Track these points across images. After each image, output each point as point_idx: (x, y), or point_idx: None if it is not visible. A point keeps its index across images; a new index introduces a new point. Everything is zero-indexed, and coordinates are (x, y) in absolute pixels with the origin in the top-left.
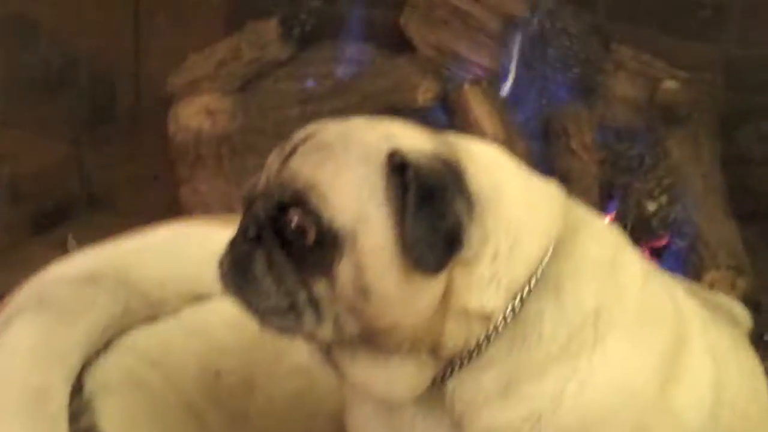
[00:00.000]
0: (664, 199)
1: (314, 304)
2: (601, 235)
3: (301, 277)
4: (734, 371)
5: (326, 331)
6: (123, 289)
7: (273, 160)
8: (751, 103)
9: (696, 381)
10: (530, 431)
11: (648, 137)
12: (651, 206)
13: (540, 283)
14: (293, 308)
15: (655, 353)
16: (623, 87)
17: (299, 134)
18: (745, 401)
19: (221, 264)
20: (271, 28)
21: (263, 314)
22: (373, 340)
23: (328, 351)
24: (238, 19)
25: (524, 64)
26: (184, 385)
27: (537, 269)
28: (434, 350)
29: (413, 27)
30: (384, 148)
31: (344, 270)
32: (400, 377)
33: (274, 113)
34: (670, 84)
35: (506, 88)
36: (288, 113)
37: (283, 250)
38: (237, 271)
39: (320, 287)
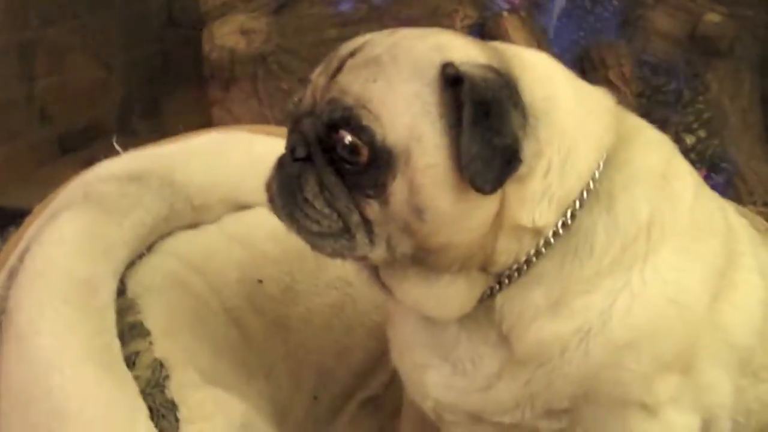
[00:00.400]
0: (702, 132)
1: (367, 225)
2: (653, 145)
3: (353, 199)
4: None
5: (379, 252)
6: (168, 189)
7: (319, 76)
8: None
9: (745, 298)
10: (578, 344)
11: (687, 71)
12: (689, 139)
13: (592, 195)
14: (346, 230)
15: (706, 267)
16: (663, 21)
17: (345, 48)
18: None
19: (268, 186)
20: None
21: (315, 237)
22: (425, 259)
23: (377, 271)
24: None
25: None
26: (226, 291)
27: (589, 182)
28: (485, 267)
29: None
30: (436, 61)
31: (398, 189)
32: (450, 295)
33: (310, 36)
34: (711, 17)
35: (553, 16)
36: (323, 36)
37: (334, 170)
38: (287, 193)
39: (373, 208)
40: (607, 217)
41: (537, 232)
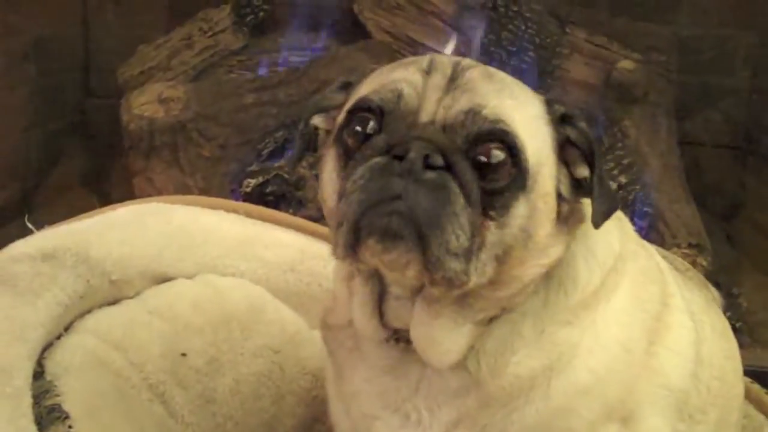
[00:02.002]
0: (623, 178)
1: (480, 249)
2: None
3: (481, 219)
4: (709, 331)
5: (476, 280)
6: (83, 266)
7: (417, 75)
8: (704, 85)
9: (679, 339)
10: (543, 381)
11: (605, 119)
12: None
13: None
14: (469, 252)
15: (647, 314)
16: (579, 70)
17: (438, 57)
18: (720, 359)
19: (386, 196)
20: (223, 15)
21: (448, 256)
22: (481, 294)
23: (409, 301)
24: (190, 7)
25: (479, 48)
26: (149, 366)
27: None
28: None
29: (367, 13)
30: (532, 94)
31: (520, 211)
32: (461, 341)
33: (228, 102)
34: (625, 64)
35: None
36: (242, 102)
37: (477, 185)
38: (433, 203)
39: (491, 231)
40: (586, 250)
41: None
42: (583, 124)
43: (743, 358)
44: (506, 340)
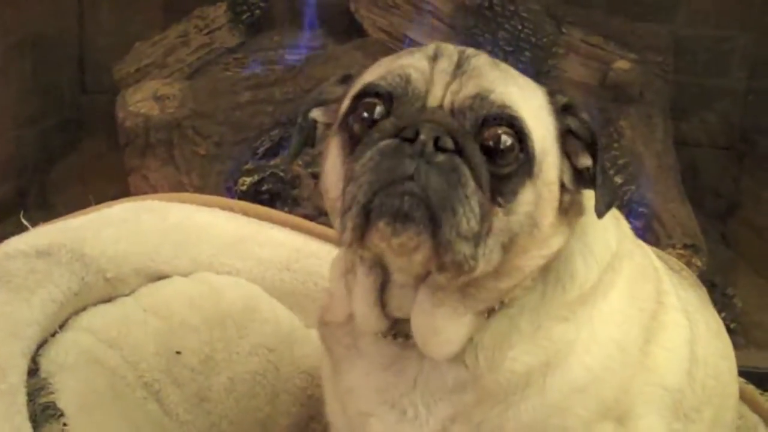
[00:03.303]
0: (619, 178)
1: (488, 235)
2: None
3: (489, 204)
4: (704, 329)
5: (483, 267)
6: (78, 263)
7: (424, 62)
8: (700, 85)
9: (674, 338)
10: (539, 378)
11: (601, 118)
12: None
13: None
14: (479, 236)
15: (643, 313)
16: (575, 69)
17: (444, 46)
18: (715, 359)
19: (397, 177)
20: (219, 13)
21: (459, 239)
22: (484, 284)
23: (405, 290)
24: (186, 4)
25: (475, 47)
26: (144, 365)
27: None
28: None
29: (363, 11)
30: (534, 84)
31: (526, 198)
32: (461, 332)
33: (224, 99)
34: (621, 64)
35: None
36: (237, 99)
37: (487, 169)
38: (449, 185)
39: (498, 217)
40: (583, 246)
41: None
42: (584, 115)
43: (738, 358)
44: (504, 335)
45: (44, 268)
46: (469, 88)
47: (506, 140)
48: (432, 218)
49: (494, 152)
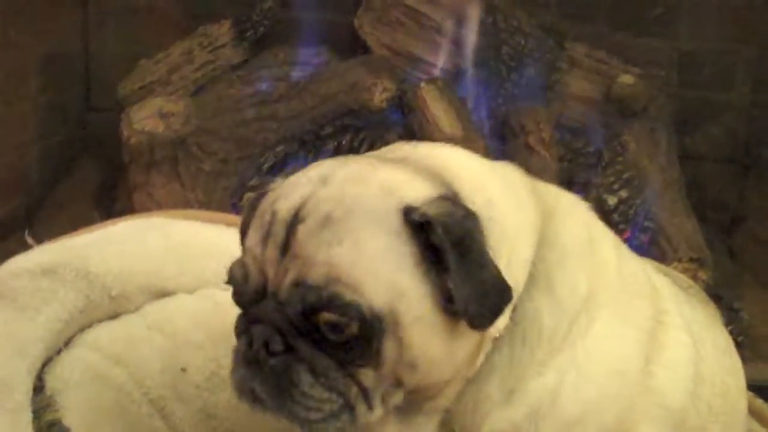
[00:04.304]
0: (623, 193)
1: (365, 393)
2: (572, 212)
3: (347, 373)
4: (710, 348)
5: (377, 414)
6: (83, 281)
7: (263, 248)
8: (704, 99)
9: (676, 358)
10: (530, 427)
11: (605, 133)
12: (611, 200)
13: (530, 279)
14: (346, 406)
15: (638, 331)
16: (579, 84)
17: (281, 210)
18: (722, 377)
19: (245, 391)
20: (223, 31)
21: (318, 423)
22: (414, 402)
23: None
24: (190, 23)
25: (479, 63)
26: (149, 381)
27: (530, 268)
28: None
29: (367, 28)
30: (392, 206)
31: (389, 351)
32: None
33: (229, 116)
34: (625, 79)
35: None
36: (243, 116)
37: (322, 352)
38: (280, 392)
39: (367, 375)
40: (550, 299)
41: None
42: (440, 224)
43: (745, 372)
44: (475, 404)
45: (49, 286)
46: (290, 276)
47: (333, 322)
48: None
49: (327, 336)
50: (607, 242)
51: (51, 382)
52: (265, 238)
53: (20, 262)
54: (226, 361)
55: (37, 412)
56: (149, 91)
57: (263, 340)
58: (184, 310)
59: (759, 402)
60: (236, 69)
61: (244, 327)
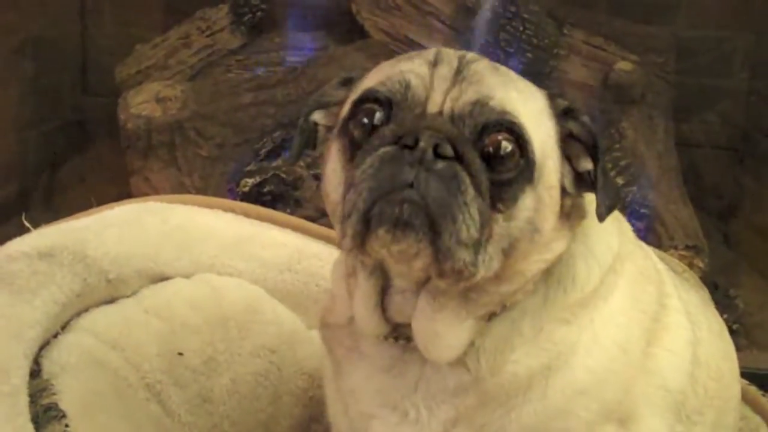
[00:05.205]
0: (621, 179)
1: (488, 241)
2: None
3: (489, 211)
4: (706, 331)
5: (484, 273)
6: (80, 264)
7: (424, 68)
8: (702, 86)
9: (676, 340)
10: (542, 380)
11: (603, 120)
12: None
13: None
14: (478, 244)
15: (645, 315)
16: (576, 71)
17: (444, 51)
18: (717, 360)
19: (396, 185)
20: (221, 15)
21: (458, 246)
22: (485, 288)
23: (413, 295)
24: (188, 7)
25: (477, 48)
26: (146, 366)
27: None
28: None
29: (365, 13)
30: (535, 88)
31: (526, 203)
32: (462, 336)
33: (226, 101)
34: (622, 65)
35: None
36: (239, 101)
37: (488, 176)
38: (448, 192)
39: (498, 223)
40: (585, 249)
41: None
42: (585, 118)
43: (740, 360)
44: (506, 338)
45: (46, 270)
46: (469, 95)
47: (506, 146)
48: (432, 226)
49: (494, 158)
50: (625, 222)
51: (48, 366)
52: (434, 62)
53: (17, 245)
54: (223, 345)
55: (34, 396)
56: (146, 75)
57: (434, 143)
58: (181, 294)
59: (753, 389)
60: (234, 54)
61: (392, 136)
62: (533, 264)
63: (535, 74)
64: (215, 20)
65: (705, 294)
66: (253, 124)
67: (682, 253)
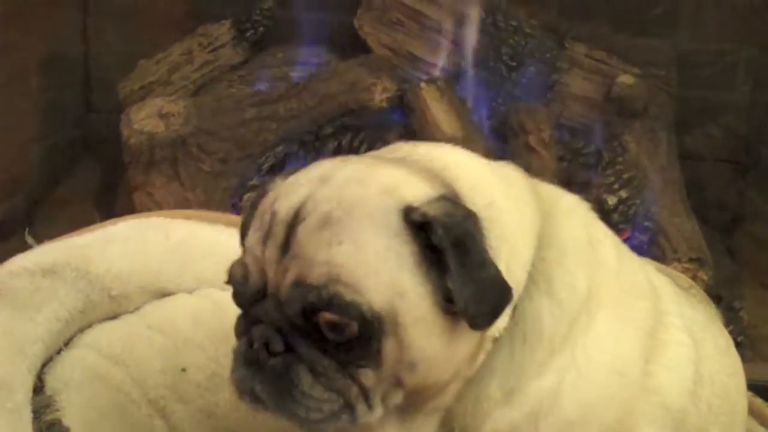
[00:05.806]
0: (623, 193)
1: (364, 393)
2: (572, 212)
3: (347, 373)
4: (711, 348)
5: (377, 414)
6: (83, 281)
7: (263, 247)
8: (704, 99)
9: (676, 358)
10: (529, 427)
11: (605, 133)
12: (611, 200)
13: (529, 279)
14: (347, 406)
15: (638, 331)
16: (579, 84)
17: (281, 209)
18: (722, 377)
19: (245, 391)
20: (223, 31)
21: (318, 423)
22: (414, 402)
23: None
24: (190, 23)
25: (479, 63)
26: (149, 381)
27: (529, 268)
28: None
29: (367, 28)
30: (392, 206)
31: (389, 351)
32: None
33: (229, 116)
34: (624, 78)
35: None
36: (243, 116)
37: (322, 352)
38: (280, 392)
39: (367, 375)
40: (550, 300)
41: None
42: (444, 225)
43: (745, 372)
44: (475, 404)
45: (49, 286)
46: (289, 276)
47: (334, 322)
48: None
49: (331, 332)
50: (607, 242)
51: (51, 382)
52: (265, 238)
53: (20, 261)
54: (227, 360)
55: (37, 412)
56: (149, 91)
57: (264, 340)
58: (184, 310)
59: (759, 402)
60: (236, 69)
61: (244, 327)
62: (446, 372)
63: (536, 88)
64: (217, 36)
65: (711, 310)
66: (255, 139)
67: (686, 265)
